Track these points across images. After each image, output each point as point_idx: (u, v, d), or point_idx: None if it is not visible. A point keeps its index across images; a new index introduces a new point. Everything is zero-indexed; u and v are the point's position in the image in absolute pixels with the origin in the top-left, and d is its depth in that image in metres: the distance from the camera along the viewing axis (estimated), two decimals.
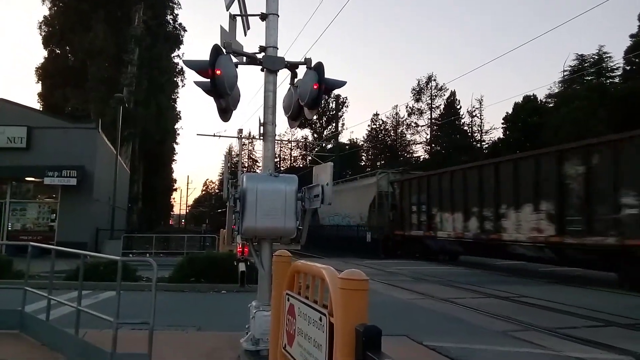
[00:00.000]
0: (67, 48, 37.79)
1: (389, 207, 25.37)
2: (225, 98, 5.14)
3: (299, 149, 70.52)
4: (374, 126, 62.70)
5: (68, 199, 20.56)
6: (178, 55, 42.78)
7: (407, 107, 57.99)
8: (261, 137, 5.59)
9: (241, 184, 5.17)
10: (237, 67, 5.18)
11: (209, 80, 4.92)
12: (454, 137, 53.12)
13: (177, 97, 49.31)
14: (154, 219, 53.75)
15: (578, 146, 14.20)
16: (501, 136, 47.44)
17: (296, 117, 5.91)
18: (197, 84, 5.21)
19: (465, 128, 54.77)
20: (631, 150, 12.25)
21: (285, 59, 5.56)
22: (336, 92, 45.80)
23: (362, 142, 63.74)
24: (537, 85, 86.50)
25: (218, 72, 4.83)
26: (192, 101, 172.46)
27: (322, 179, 5.06)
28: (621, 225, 12.26)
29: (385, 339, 1.85)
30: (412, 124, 58.52)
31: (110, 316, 4.48)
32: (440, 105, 56.51)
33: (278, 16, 5.58)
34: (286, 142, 67.11)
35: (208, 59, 4.83)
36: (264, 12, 5.57)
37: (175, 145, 58.08)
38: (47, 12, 37.95)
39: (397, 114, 60.70)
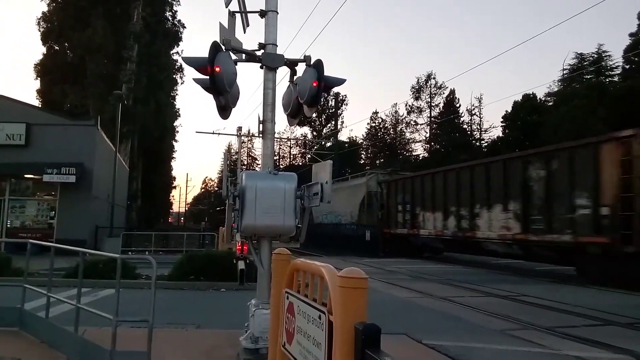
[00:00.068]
0: (66, 44, 37.71)
1: (378, 206, 26.33)
2: (224, 95, 5.13)
3: (298, 147, 70.59)
4: (373, 124, 62.71)
5: (67, 196, 20.54)
6: (177, 52, 42.76)
7: (406, 105, 58.06)
8: (260, 135, 5.58)
9: (240, 182, 5.16)
10: (236, 64, 5.17)
11: (208, 77, 4.91)
12: (453, 136, 53.13)
13: (176, 94, 49.34)
14: (153, 217, 53.80)
15: (539, 152, 15.63)
16: (500, 135, 47.51)
17: (295, 115, 5.90)
18: (196, 81, 5.20)
19: (465, 126, 54.77)
20: (583, 157, 13.55)
21: (285, 57, 5.55)
22: (335, 90, 45.68)
23: (362, 140, 63.78)
24: (537, 84, 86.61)
25: (217, 69, 4.82)
26: (191, 98, 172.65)
27: (321, 177, 5.05)
28: (575, 224, 13.54)
29: (384, 338, 1.84)
30: (412, 122, 58.58)
31: (109, 314, 4.47)
32: (440, 103, 56.56)
33: (277, 13, 5.56)
34: (285, 140, 67.17)
35: (207, 56, 4.82)
36: (263, 9, 5.56)
37: (174, 143, 58.16)
38: (45, 9, 37.92)
39: (396, 112, 60.74)
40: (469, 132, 54.31)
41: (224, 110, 5.55)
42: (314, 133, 65.65)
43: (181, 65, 42.92)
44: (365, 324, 1.86)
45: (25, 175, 20.99)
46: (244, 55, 5.50)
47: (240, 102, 5.67)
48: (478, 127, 53.77)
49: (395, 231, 23.77)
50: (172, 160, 64.55)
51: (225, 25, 5.47)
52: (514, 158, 16.83)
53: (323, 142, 58.57)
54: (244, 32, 5.86)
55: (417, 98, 56.99)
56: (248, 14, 5.81)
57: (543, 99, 44.20)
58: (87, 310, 4.97)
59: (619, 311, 9.03)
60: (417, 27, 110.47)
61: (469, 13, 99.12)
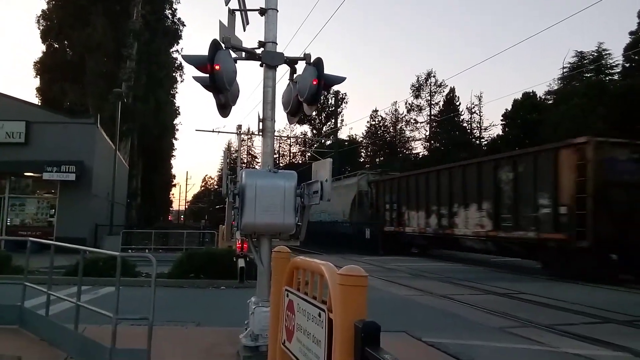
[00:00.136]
0: (66, 42, 37.63)
1: (368, 205, 27.69)
2: (224, 93, 5.13)
3: (298, 145, 70.52)
4: (373, 122, 62.61)
5: (67, 194, 20.54)
6: (177, 50, 42.71)
7: (406, 104, 57.98)
8: (260, 133, 5.58)
9: (240, 180, 5.17)
10: (236, 62, 5.16)
11: (207, 75, 4.90)
12: (453, 134, 53.06)
13: (176, 92, 49.28)
14: (153, 215, 53.77)
15: (508, 156, 17.26)
16: (500, 133, 47.45)
17: (295, 113, 5.90)
18: (196, 79, 5.20)
19: (465, 125, 54.71)
20: (545, 161, 14.89)
21: (285, 55, 5.55)
22: (335, 88, 45.66)
23: (361, 139, 63.73)
24: (537, 82, 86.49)
25: (217, 67, 4.81)
26: (191, 97, 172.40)
27: (321, 175, 5.05)
28: (539, 222, 14.85)
29: (384, 335, 1.85)
30: (411, 121, 58.50)
31: (109, 312, 4.48)
32: (440, 101, 56.46)
33: (277, 11, 5.56)
34: (285, 138, 67.13)
35: (207, 54, 4.81)
36: (263, 7, 5.55)
37: (174, 141, 58.05)
38: (45, 6, 37.83)
39: (396, 110, 60.66)
40: (468, 131, 54.27)
41: (224, 109, 5.55)
42: (314, 131, 65.60)
43: (181, 63, 42.90)
44: (365, 321, 1.86)
45: (25, 173, 20.98)
46: (243, 54, 5.50)
47: (240, 100, 5.67)
48: (478, 125, 53.78)
49: (384, 229, 24.80)
50: (172, 159, 64.55)
51: (225, 23, 5.46)
52: (486, 161, 18.17)
53: (323, 141, 58.59)
54: (244, 30, 5.86)
55: (417, 96, 56.93)
56: (248, 12, 5.80)
57: (543, 97, 44.18)
58: (87, 308, 4.98)
59: (618, 308, 9.05)
60: (417, 26, 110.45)
61: (469, 11, 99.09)
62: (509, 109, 44.95)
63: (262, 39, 5.50)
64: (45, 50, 38.46)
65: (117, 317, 4.43)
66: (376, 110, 63.65)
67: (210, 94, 5.20)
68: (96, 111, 27.90)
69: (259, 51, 5.48)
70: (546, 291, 11.25)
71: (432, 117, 56.06)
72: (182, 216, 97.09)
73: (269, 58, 5.43)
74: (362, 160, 62.49)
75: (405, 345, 6.04)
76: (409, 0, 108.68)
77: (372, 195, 27.42)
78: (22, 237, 17.61)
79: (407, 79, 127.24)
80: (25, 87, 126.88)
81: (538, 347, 6.32)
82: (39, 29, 37.75)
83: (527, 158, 15.74)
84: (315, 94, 5.27)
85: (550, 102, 41.73)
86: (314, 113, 55.09)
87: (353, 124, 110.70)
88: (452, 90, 55.14)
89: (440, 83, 55.55)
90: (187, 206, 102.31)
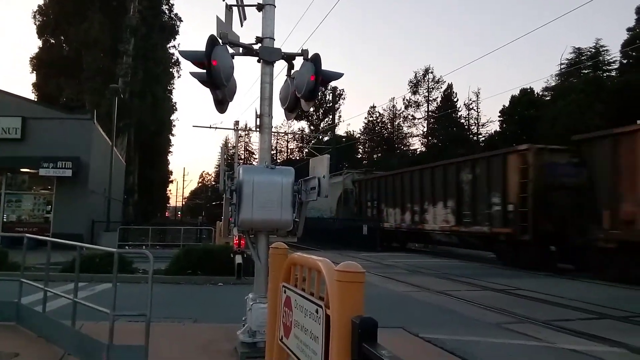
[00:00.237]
0: (62, 38, 37.43)
1: (353, 202, 29.71)
2: (221, 89, 5.12)
3: (295, 141, 70.44)
4: (371, 118, 62.63)
5: (63, 190, 20.47)
6: (174, 46, 42.44)
7: (404, 100, 58.00)
8: (258, 129, 5.57)
9: (237, 176, 5.16)
10: (233, 58, 5.14)
11: (205, 71, 4.88)
12: (450, 130, 53.14)
13: (173, 88, 48.97)
14: (150, 211, 53.58)
15: (468, 159, 19.47)
16: (498, 129, 47.55)
17: (293, 109, 5.89)
18: (193, 75, 5.18)
19: (462, 121, 54.79)
20: (496, 164, 17.01)
21: (282, 51, 5.53)
22: (333, 84, 45.72)
23: (359, 135, 63.73)
24: (534, 79, 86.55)
25: (214, 63, 4.79)
26: (188, 92, 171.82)
27: (318, 172, 5.05)
28: (492, 218, 16.99)
29: (381, 331, 1.85)
30: (409, 117, 58.56)
31: (106, 308, 4.47)
32: (437, 97, 56.53)
33: (275, 7, 5.54)
34: (283, 134, 66.98)
35: (204, 49, 4.79)
36: (261, 2, 5.53)
37: (171, 137, 57.73)
38: (41, 2, 37.58)
39: (394, 106, 60.70)
40: (466, 127, 54.34)
41: (221, 104, 5.53)
42: (312, 127, 65.51)
43: (178, 59, 42.66)
44: (362, 317, 1.86)
45: (22, 169, 20.89)
46: (241, 49, 5.47)
47: (237, 96, 5.65)
48: (475, 121, 53.87)
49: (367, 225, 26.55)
50: (169, 155, 64.24)
51: (223, 18, 5.44)
52: (450, 164, 20.34)
53: (320, 137, 58.53)
54: (241, 25, 5.83)
55: (414, 92, 56.97)
56: (245, 8, 5.78)
57: (540, 93, 44.29)
58: (84, 305, 4.97)
59: (614, 304, 9.10)
60: (415, 22, 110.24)
61: (467, 8, 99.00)
62: (507, 105, 45.02)
63: (260, 35, 5.48)
64: (41, 46, 38.24)
65: (114, 314, 4.42)
66: (374, 107, 63.74)
67: (208, 90, 5.18)
68: (93, 107, 27.76)
69: (256, 47, 5.46)
70: (543, 287, 11.29)
71: (430, 113, 56.08)
72: (179, 212, 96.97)
73: (266, 54, 5.41)
74: (359, 156, 62.50)
75: (403, 341, 6.06)
76: None
77: (356, 194, 29.39)
78: (18, 233, 17.55)
79: (405, 75, 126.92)
80: (22, 83, 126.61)
81: (535, 342, 6.35)
82: (35, 24, 37.53)
83: (483, 162, 17.90)
84: (312, 90, 5.26)
85: (548, 98, 41.81)
86: (311, 109, 55.17)
87: (351, 120, 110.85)
88: (450, 86, 55.25)
89: (438, 79, 55.66)
90: (184, 202, 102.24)
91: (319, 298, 2.24)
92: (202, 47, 4.82)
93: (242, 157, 66.94)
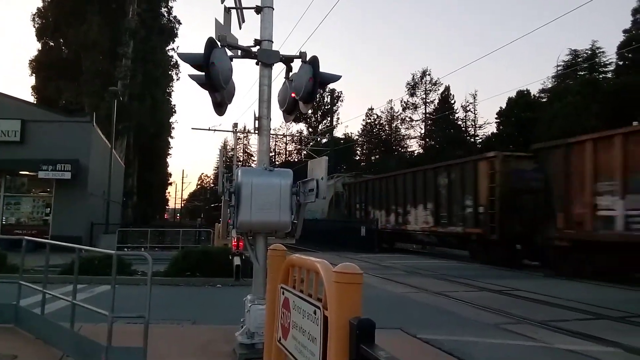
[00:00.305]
0: (61, 41, 37.42)
1: (344, 205, 31.03)
2: (220, 92, 5.13)
3: (294, 143, 70.39)
4: (369, 121, 62.61)
5: (62, 192, 20.44)
6: (173, 49, 42.48)
7: (401, 102, 58.00)
8: (256, 131, 5.59)
9: (236, 178, 5.17)
10: (232, 60, 5.16)
11: (203, 73, 4.90)
12: (448, 132, 53.18)
13: (172, 90, 48.98)
14: (149, 213, 53.57)
15: (444, 165, 21.08)
16: (495, 131, 47.60)
17: (291, 111, 5.91)
18: (192, 77, 5.19)
19: (459, 123, 54.85)
20: (468, 170, 18.58)
21: (281, 53, 5.55)
22: (331, 86, 45.69)
23: (357, 137, 63.76)
24: (531, 81, 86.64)
25: (213, 65, 4.81)
26: (187, 95, 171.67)
27: (316, 173, 5.07)
28: (465, 219, 18.51)
29: (379, 332, 1.87)
30: (407, 119, 58.57)
31: (105, 310, 4.48)
32: (435, 99, 56.55)
33: (273, 9, 5.56)
34: (281, 136, 66.92)
35: (203, 52, 4.81)
36: (259, 5, 5.55)
37: (170, 139, 57.78)
38: (40, 4, 37.62)
39: (391, 108, 60.68)
40: (463, 129, 54.41)
41: (220, 107, 5.55)
42: (310, 129, 65.47)
43: (177, 61, 42.74)
44: (360, 318, 1.87)
45: (21, 172, 20.87)
46: (239, 52, 5.50)
47: (236, 98, 5.66)
48: (473, 123, 53.93)
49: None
50: (168, 157, 64.29)
51: (221, 21, 5.46)
52: (429, 169, 21.89)
53: (319, 139, 58.51)
54: (240, 28, 5.86)
55: (412, 94, 56.99)
56: (244, 10, 5.80)
57: (537, 95, 44.33)
58: (83, 307, 4.98)
59: (611, 305, 9.13)
60: (413, 24, 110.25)
61: (465, 10, 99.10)
62: (504, 107, 45.08)
63: (258, 37, 5.50)
64: (40, 49, 38.24)
65: (113, 316, 4.43)
66: (372, 109, 63.72)
67: (207, 92, 5.20)
68: (92, 109, 27.75)
69: (254, 49, 5.48)
70: (541, 288, 11.31)
71: (427, 115, 56.14)
72: (178, 214, 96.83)
73: (265, 56, 5.44)
74: (357, 158, 62.50)
75: (401, 342, 6.08)
76: None
77: (346, 196, 30.82)
78: (17, 235, 17.52)
79: (404, 77, 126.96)
80: (21, 86, 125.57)
81: (532, 343, 6.38)
82: (35, 27, 37.56)
83: (457, 167, 19.58)
84: (310, 92, 5.29)
85: (544, 100, 41.88)
86: (309, 111, 55.07)
87: (349, 122, 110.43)
88: (447, 88, 55.30)
89: (436, 81, 55.68)
90: (183, 204, 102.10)
91: (317, 299, 2.26)
92: (201, 49, 4.84)
93: (241, 159, 66.93)
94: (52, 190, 20.67)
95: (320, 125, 64.86)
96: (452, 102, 55.08)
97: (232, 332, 5.50)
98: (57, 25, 36.00)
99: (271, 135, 5.69)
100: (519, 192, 16.51)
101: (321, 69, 5.30)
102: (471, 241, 18.73)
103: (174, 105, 52.47)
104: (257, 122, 5.54)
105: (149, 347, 4.41)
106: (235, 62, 5.27)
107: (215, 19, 5.39)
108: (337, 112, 64.64)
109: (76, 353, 4.94)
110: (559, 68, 40.28)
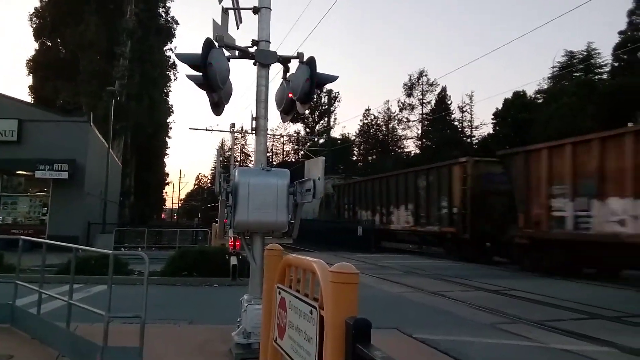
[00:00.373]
0: (59, 40, 37.35)
1: (334, 205, 32.39)
2: (217, 92, 5.14)
3: (291, 144, 70.42)
4: (366, 121, 62.68)
5: (59, 192, 20.40)
6: (170, 49, 42.46)
7: (398, 103, 58.12)
8: (253, 132, 5.60)
9: (233, 178, 5.18)
10: (229, 60, 5.17)
11: (201, 74, 4.91)
12: (444, 132, 53.30)
13: (170, 90, 48.97)
14: (146, 213, 53.44)
15: (423, 168, 22.52)
16: (491, 131, 47.71)
17: (288, 112, 5.92)
18: (190, 77, 5.20)
19: (456, 123, 55.02)
20: (444, 173, 20.02)
21: (278, 53, 5.56)
22: (328, 86, 45.59)
23: (354, 137, 63.78)
24: (527, 81, 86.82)
25: (210, 65, 4.82)
26: (184, 95, 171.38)
27: (313, 174, 5.08)
28: (441, 219, 19.94)
29: (375, 332, 1.87)
30: (404, 119, 58.67)
31: (101, 310, 4.47)
32: (431, 100, 56.70)
33: (270, 10, 5.57)
34: (279, 137, 66.89)
35: (200, 52, 4.82)
36: (257, 5, 5.57)
37: (167, 139, 57.74)
38: (38, 4, 37.54)
39: (388, 109, 60.82)
40: (460, 129, 54.52)
41: (217, 107, 5.56)
42: (307, 130, 65.47)
43: (174, 61, 42.68)
44: (356, 318, 1.88)
45: (18, 172, 20.84)
46: (237, 52, 5.51)
47: (233, 98, 5.68)
48: (469, 124, 54.07)
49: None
50: (166, 157, 64.19)
51: (219, 22, 5.47)
52: (410, 172, 23.48)
53: (316, 139, 58.53)
54: (237, 28, 5.87)
55: (409, 95, 57.11)
56: (241, 11, 5.81)
57: (533, 96, 44.48)
58: (79, 307, 4.97)
59: (605, 305, 9.17)
60: (411, 25, 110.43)
61: (462, 11, 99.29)
62: (500, 108, 45.19)
63: (256, 38, 5.51)
64: (38, 48, 38.16)
65: (109, 315, 4.42)
66: (369, 109, 63.83)
67: (204, 93, 5.21)
68: (89, 109, 27.69)
69: (252, 50, 5.49)
70: (537, 288, 11.34)
71: (424, 115, 56.22)
72: (175, 214, 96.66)
73: (262, 57, 5.45)
74: (354, 158, 62.54)
75: (397, 342, 6.09)
76: None
77: (336, 197, 32.20)
78: (14, 235, 17.47)
79: (401, 77, 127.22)
80: (18, 85, 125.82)
81: (527, 342, 6.40)
82: (32, 26, 37.49)
83: (434, 171, 20.93)
84: (308, 92, 5.30)
85: (540, 101, 42.01)
86: (307, 111, 55.15)
87: (346, 122, 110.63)
88: (444, 89, 55.46)
89: (432, 82, 55.79)
90: (180, 204, 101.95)
91: (313, 299, 2.27)
92: (198, 50, 4.85)
93: (238, 159, 66.86)
94: (49, 189, 20.63)
95: (317, 126, 64.90)
96: (449, 102, 55.31)
97: (228, 332, 5.50)
98: (55, 25, 35.93)
99: (268, 136, 5.71)
100: (488, 194, 17.88)
101: (318, 70, 5.31)
102: (446, 239, 20.10)
103: (172, 105, 52.50)
104: (254, 122, 5.55)
105: (145, 347, 4.42)
106: (233, 63, 5.29)
107: (213, 20, 5.40)
108: (335, 112, 64.80)
109: (72, 353, 4.94)
110: (554, 69, 40.44)
